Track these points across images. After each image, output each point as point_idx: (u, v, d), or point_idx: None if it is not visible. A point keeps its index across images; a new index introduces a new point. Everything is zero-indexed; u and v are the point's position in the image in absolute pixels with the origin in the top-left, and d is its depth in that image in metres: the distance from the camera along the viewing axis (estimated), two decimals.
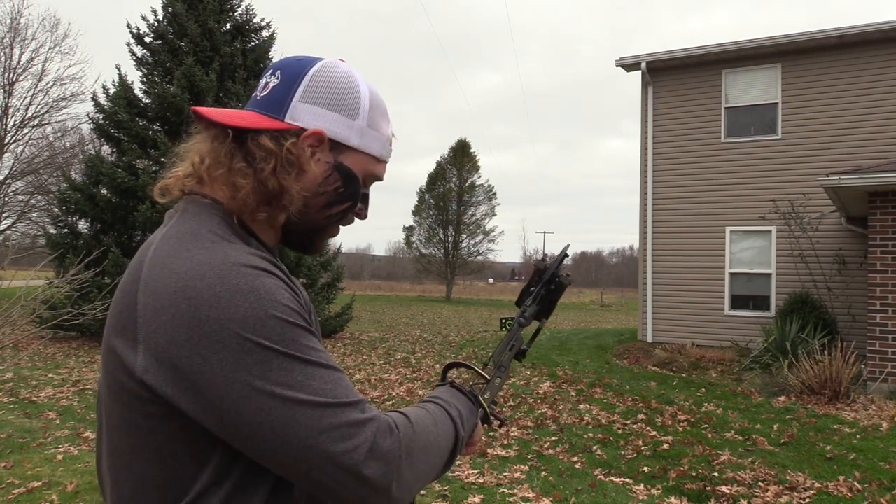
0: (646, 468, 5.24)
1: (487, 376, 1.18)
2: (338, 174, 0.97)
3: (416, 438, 0.88)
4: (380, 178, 1.05)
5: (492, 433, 6.36)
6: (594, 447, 5.82)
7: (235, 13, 14.88)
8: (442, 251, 46.77)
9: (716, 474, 5.02)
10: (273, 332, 0.79)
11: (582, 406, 7.51)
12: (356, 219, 1.05)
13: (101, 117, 13.66)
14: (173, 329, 0.79)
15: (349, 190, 0.99)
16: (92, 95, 13.83)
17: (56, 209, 14.18)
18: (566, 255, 1.35)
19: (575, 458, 5.47)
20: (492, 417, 1.18)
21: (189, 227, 0.88)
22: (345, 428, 0.80)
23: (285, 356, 0.79)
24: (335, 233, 1.03)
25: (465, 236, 46.99)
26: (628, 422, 6.78)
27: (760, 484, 4.80)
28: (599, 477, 5.04)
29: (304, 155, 0.94)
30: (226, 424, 0.79)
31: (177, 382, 0.79)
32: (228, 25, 14.60)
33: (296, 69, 0.97)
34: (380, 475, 0.81)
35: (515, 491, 4.63)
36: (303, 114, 0.94)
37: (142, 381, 0.81)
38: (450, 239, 46.63)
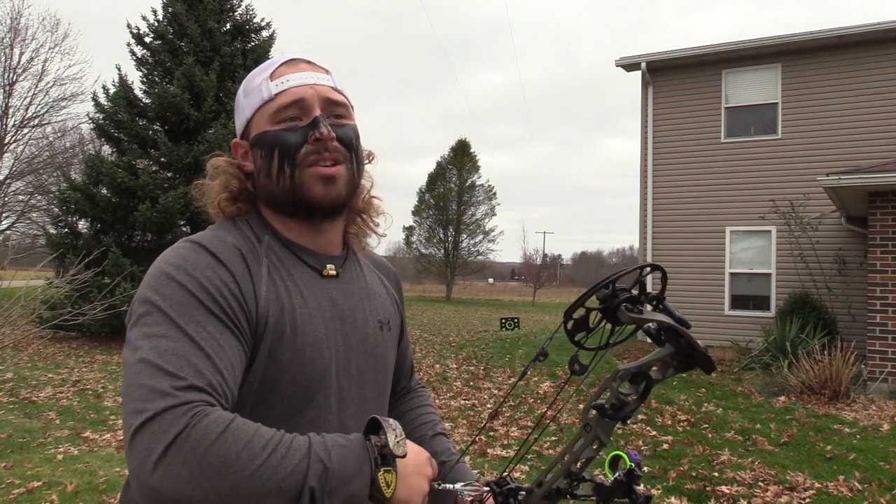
0: (646, 468, 5.24)
1: (398, 452, 0.85)
2: (256, 147, 1.04)
3: (217, 442, 0.77)
4: (288, 106, 1.00)
5: (492, 432, 6.37)
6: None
7: (235, 13, 14.88)
8: (442, 251, 46.79)
9: (716, 474, 5.02)
10: (166, 288, 0.89)
11: (582, 406, 7.51)
12: (318, 142, 0.99)
13: (101, 117, 13.67)
14: None
15: (265, 143, 1.02)
16: (92, 95, 13.84)
17: (56, 209, 14.20)
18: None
19: None
20: None
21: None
22: (146, 390, 0.80)
23: (161, 312, 0.87)
24: (317, 173, 1.00)
25: (465, 236, 47.02)
26: (628, 422, 6.78)
27: (760, 484, 4.80)
28: (599, 477, 5.03)
29: (244, 165, 1.07)
30: None
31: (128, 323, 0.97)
32: (228, 25, 14.61)
33: None
34: (143, 451, 0.76)
35: None
36: None
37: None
38: (450, 239, 46.64)
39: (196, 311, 0.87)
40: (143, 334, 0.85)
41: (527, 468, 5.22)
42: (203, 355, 0.84)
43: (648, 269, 0.84)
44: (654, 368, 0.81)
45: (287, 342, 0.95)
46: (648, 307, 0.82)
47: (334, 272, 1.06)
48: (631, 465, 0.86)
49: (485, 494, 0.94)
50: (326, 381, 0.99)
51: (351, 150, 1.03)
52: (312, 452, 0.81)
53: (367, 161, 1.13)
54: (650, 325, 0.81)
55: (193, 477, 0.75)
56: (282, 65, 1.04)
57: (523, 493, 0.90)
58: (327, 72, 1.06)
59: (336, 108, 1.03)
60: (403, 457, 0.86)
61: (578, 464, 0.85)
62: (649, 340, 0.76)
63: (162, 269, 0.91)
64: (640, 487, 0.86)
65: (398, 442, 0.85)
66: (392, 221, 1.21)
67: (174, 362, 0.82)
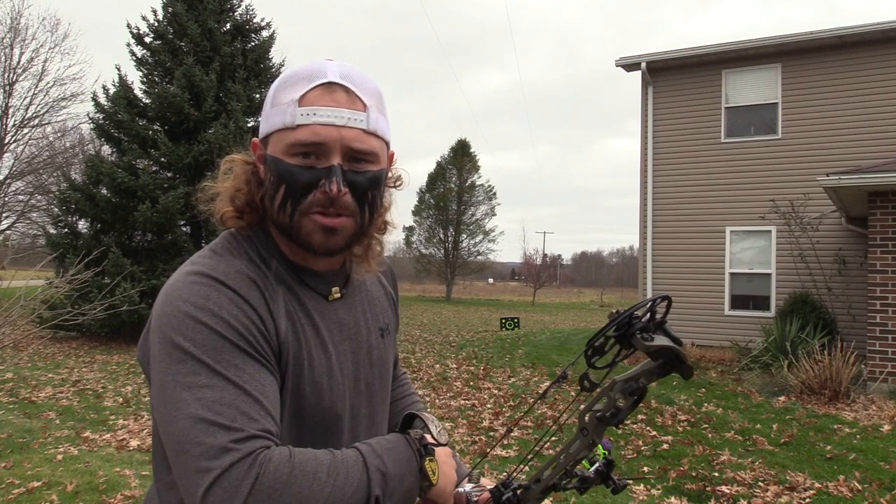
0: (646, 468, 5.24)
1: (442, 440, 0.95)
2: (268, 166, 0.97)
3: (290, 482, 0.79)
4: (306, 145, 0.93)
5: (492, 432, 6.37)
6: None
7: (235, 13, 14.89)
8: (442, 251, 46.79)
9: (716, 474, 5.02)
10: (195, 333, 0.85)
11: (582, 406, 7.51)
12: (325, 195, 0.93)
13: (101, 117, 13.67)
14: (152, 313, 0.93)
15: (275, 173, 0.95)
16: (92, 95, 13.86)
17: (56, 209, 14.19)
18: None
19: None
20: None
21: (210, 244, 1.02)
22: (205, 448, 0.79)
23: (196, 360, 0.84)
24: (318, 222, 0.94)
25: (465, 236, 47.04)
26: (628, 422, 6.77)
27: (760, 484, 4.80)
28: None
29: (259, 168, 1.01)
30: (151, 399, 0.89)
31: (144, 356, 0.94)
32: (228, 25, 14.61)
33: None
34: None
35: None
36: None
37: (139, 358, 0.98)
38: (450, 239, 46.64)
39: (231, 353, 0.85)
40: (181, 385, 0.83)
41: (527, 468, 5.22)
42: (251, 399, 0.83)
43: (660, 300, 0.92)
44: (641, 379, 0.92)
45: (306, 375, 0.95)
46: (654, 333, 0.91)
47: (339, 294, 1.05)
48: (605, 454, 0.97)
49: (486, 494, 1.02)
50: (342, 406, 1.00)
51: (363, 203, 0.97)
52: (368, 464, 0.86)
53: (393, 185, 1.09)
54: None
55: None
56: (317, 87, 0.94)
57: (522, 488, 0.98)
58: (366, 108, 0.95)
59: (360, 154, 0.95)
60: (446, 444, 0.92)
61: (572, 462, 0.95)
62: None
63: (183, 309, 0.86)
64: (616, 474, 0.99)
65: (440, 431, 0.93)
66: (385, 249, 1.14)
67: (226, 413, 0.81)
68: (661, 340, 0.88)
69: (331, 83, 0.94)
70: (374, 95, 0.98)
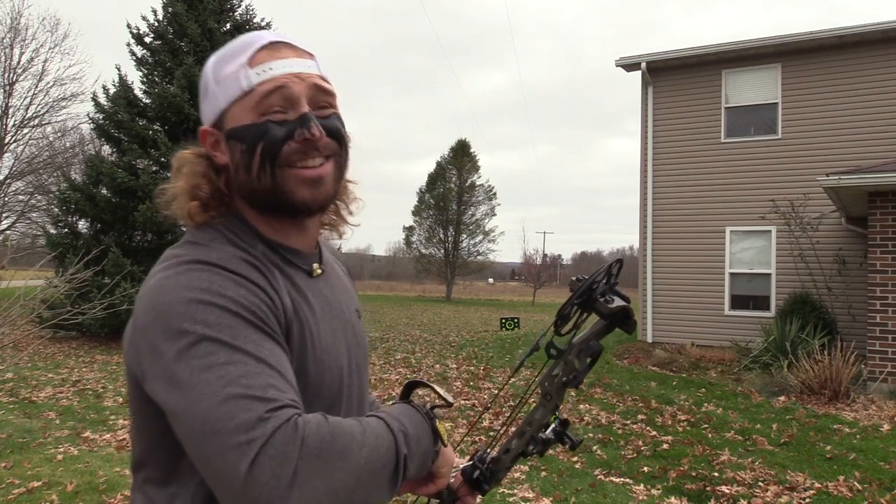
0: (646, 468, 5.24)
1: (450, 399, 1.01)
2: (234, 140, 0.94)
3: (333, 441, 0.77)
4: (272, 95, 0.91)
5: (492, 432, 6.37)
6: (594, 447, 5.82)
7: (235, 13, 14.89)
8: (442, 251, 46.76)
9: (716, 474, 5.02)
10: (205, 314, 0.80)
11: (582, 406, 7.51)
12: (307, 142, 0.92)
13: (101, 117, 13.67)
14: (136, 312, 0.86)
15: (246, 139, 0.92)
16: (92, 95, 13.85)
17: (56, 209, 14.19)
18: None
19: (575, 458, 5.47)
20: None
21: (183, 239, 0.97)
22: (240, 421, 0.74)
23: (211, 340, 0.79)
24: (302, 176, 0.93)
25: (465, 236, 46.98)
26: (628, 422, 6.78)
27: (760, 484, 4.80)
28: (599, 477, 5.04)
29: (215, 155, 0.97)
30: (157, 397, 0.82)
31: (134, 357, 0.86)
32: (228, 25, 14.61)
33: None
34: (270, 479, 0.72)
35: (515, 491, 4.63)
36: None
37: (126, 361, 0.90)
38: (450, 239, 46.61)
39: (247, 330, 0.81)
40: (198, 368, 0.77)
41: (526, 468, 5.21)
42: (275, 373, 0.80)
43: (615, 263, 1.02)
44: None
45: (310, 353, 0.93)
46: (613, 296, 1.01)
47: (320, 271, 1.03)
48: (556, 416, 1.07)
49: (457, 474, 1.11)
50: (339, 385, 0.99)
51: (341, 142, 0.97)
52: (391, 426, 0.87)
53: None
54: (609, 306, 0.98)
55: (326, 485, 0.75)
56: (261, 49, 0.93)
57: (493, 460, 1.07)
58: (312, 56, 0.96)
59: (323, 98, 0.95)
60: (452, 404, 0.98)
61: (539, 429, 1.05)
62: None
63: (185, 296, 0.82)
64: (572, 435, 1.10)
65: (446, 391, 0.98)
66: (364, 205, 1.13)
67: (256, 385, 0.77)
68: (617, 301, 0.97)
69: (272, 42, 0.95)
70: (315, 55, 0.99)
